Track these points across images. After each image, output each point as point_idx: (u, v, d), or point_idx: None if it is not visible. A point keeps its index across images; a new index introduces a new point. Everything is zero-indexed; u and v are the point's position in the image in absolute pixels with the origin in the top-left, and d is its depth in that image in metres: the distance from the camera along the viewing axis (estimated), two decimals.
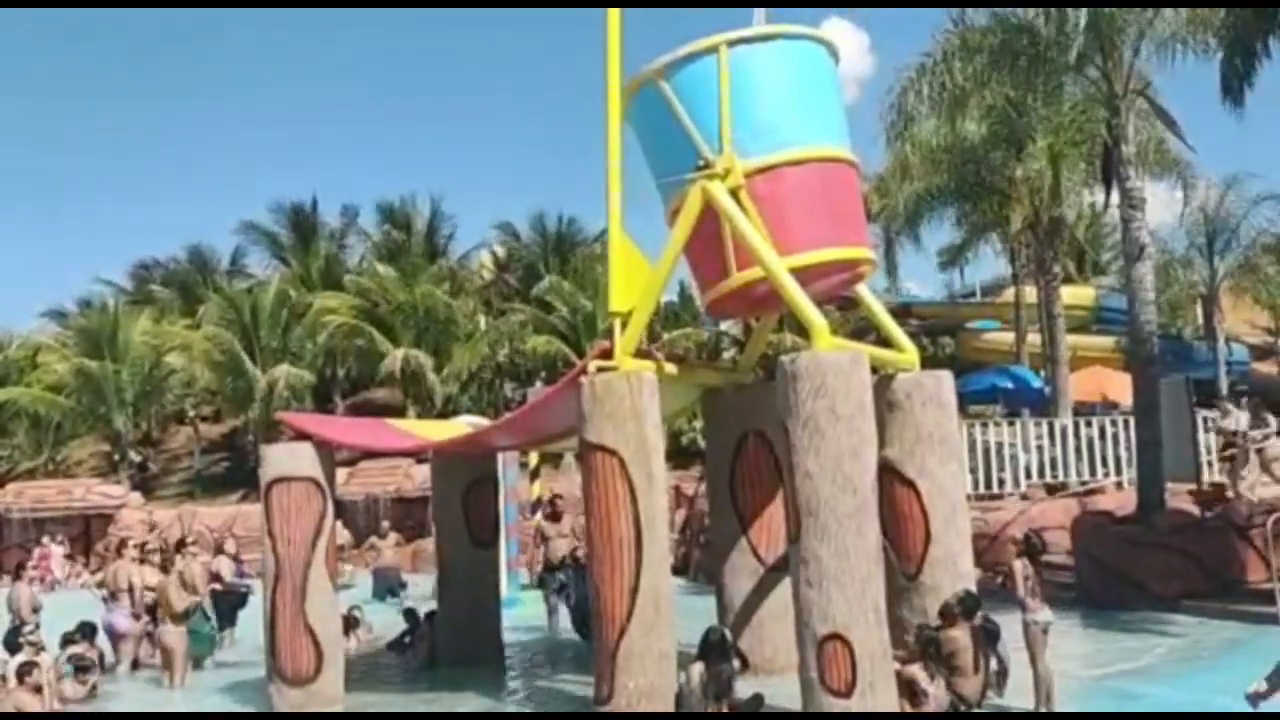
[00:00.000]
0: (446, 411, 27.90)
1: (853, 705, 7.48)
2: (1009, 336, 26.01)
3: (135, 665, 12.60)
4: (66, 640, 11.40)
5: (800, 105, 8.86)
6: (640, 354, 9.00)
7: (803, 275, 8.54)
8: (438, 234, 37.56)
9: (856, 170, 9.27)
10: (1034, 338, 24.05)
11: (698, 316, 32.68)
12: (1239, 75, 14.13)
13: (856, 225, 9.24)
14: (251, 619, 12.67)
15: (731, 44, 8.70)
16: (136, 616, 12.73)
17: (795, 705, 7.95)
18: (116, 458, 31.36)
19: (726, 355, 28.42)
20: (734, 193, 8.58)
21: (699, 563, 18.02)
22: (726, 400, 10.54)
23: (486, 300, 34.75)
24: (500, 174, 68.78)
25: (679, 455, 23.99)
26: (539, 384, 25.25)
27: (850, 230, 9.02)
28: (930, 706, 7.88)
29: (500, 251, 37.88)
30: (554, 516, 13.75)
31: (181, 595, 11.99)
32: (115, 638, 12.50)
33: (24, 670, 10.20)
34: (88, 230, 69.54)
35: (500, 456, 13.72)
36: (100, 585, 13.58)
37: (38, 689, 10.00)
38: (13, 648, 11.18)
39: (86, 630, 11.87)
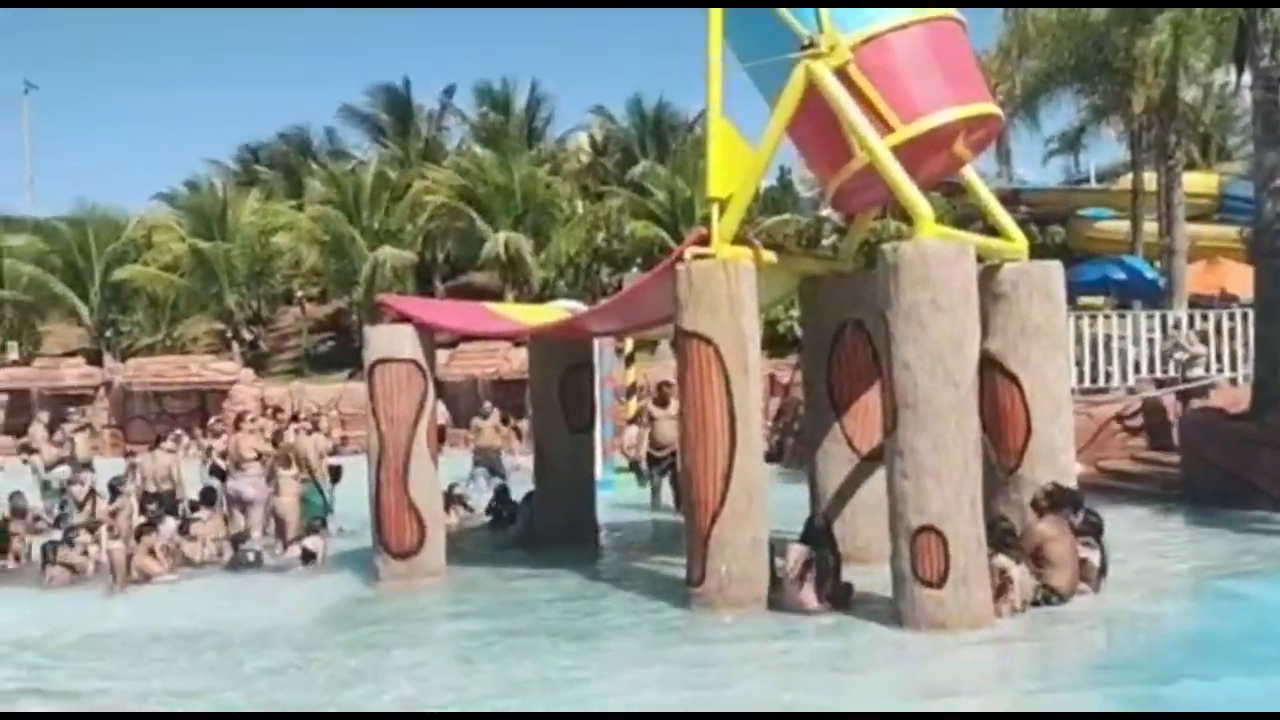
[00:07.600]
0: (544, 296, 28.07)
1: (945, 596, 7.49)
2: (1124, 225, 24.92)
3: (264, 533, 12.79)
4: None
5: None
6: (738, 241, 8.85)
7: (930, 141, 8.29)
8: (536, 117, 37.35)
9: (964, 27, 8.83)
10: (1151, 226, 23.02)
11: (797, 202, 32.06)
12: None
13: (975, 82, 8.85)
14: (344, 494, 13.22)
15: None
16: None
17: (887, 594, 7.99)
18: (229, 335, 32.51)
19: (827, 242, 27.88)
20: (841, 71, 8.27)
21: (793, 450, 18.04)
22: (825, 289, 10.35)
23: (583, 185, 34.59)
24: (596, 58, 67.73)
25: (775, 344, 23.82)
26: (635, 270, 25.20)
27: (970, 88, 8.65)
28: (1015, 593, 7.87)
29: (598, 135, 37.55)
30: (662, 401, 13.88)
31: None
32: (243, 504, 12.62)
33: (142, 531, 10.83)
34: (194, 115, 71.03)
35: (596, 342, 13.80)
36: (223, 456, 14.09)
37: (152, 551, 10.62)
38: (171, 513, 11.88)
39: (207, 496, 12.54)
